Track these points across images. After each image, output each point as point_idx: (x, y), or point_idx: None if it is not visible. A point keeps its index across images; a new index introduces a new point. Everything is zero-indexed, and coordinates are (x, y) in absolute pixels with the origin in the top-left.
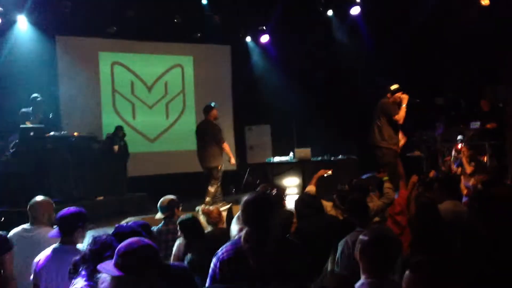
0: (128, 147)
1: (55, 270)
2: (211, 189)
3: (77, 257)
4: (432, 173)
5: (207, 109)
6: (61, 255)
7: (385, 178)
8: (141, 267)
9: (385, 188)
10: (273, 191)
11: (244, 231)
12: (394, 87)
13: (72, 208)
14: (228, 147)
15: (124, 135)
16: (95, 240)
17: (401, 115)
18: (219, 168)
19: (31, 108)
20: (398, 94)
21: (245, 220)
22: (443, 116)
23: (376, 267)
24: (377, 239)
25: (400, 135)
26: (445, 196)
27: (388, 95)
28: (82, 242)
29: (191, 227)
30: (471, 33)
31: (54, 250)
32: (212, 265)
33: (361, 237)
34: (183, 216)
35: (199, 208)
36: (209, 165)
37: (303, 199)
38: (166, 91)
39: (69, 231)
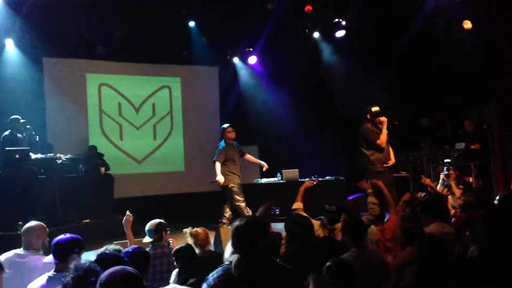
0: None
1: None
2: (226, 207)
3: (59, 287)
4: (419, 194)
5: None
6: (56, 283)
7: (369, 190)
8: None
9: (368, 204)
10: (277, 209)
11: (234, 257)
12: (374, 109)
13: (68, 235)
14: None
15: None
16: (77, 267)
17: (382, 139)
18: (229, 186)
19: (8, 131)
20: (378, 118)
21: (235, 247)
22: (428, 137)
23: None
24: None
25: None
26: (431, 218)
27: (368, 116)
28: None
29: (187, 254)
30: (456, 55)
31: (49, 278)
32: None
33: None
34: (177, 246)
35: (187, 230)
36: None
37: (294, 219)
38: (153, 112)
39: (64, 258)
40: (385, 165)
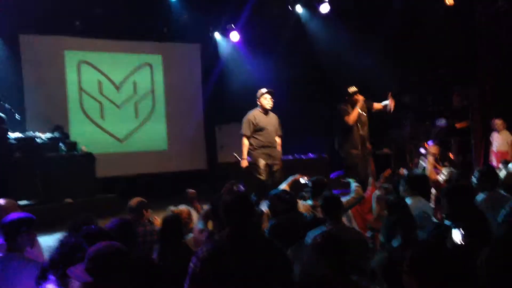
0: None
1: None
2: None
3: (46, 262)
4: (401, 171)
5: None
6: (5, 263)
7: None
8: (111, 272)
9: (354, 186)
10: (240, 187)
11: (225, 231)
12: (351, 89)
13: (14, 214)
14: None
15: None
16: (62, 243)
17: (352, 116)
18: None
19: None
20: (355, 97)
21: (227, 221)
22: (410, 114)
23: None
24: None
25: (390, 100)
26: (410, 193)
27: (346, 97)
28: (31, 248)
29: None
30: (439, 32)
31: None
32: (191, 264)
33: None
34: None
35: (171, 208)
36: None
37: (280, 196)
38: (135, 91)
39: (12, 237)
40: (349, 146)
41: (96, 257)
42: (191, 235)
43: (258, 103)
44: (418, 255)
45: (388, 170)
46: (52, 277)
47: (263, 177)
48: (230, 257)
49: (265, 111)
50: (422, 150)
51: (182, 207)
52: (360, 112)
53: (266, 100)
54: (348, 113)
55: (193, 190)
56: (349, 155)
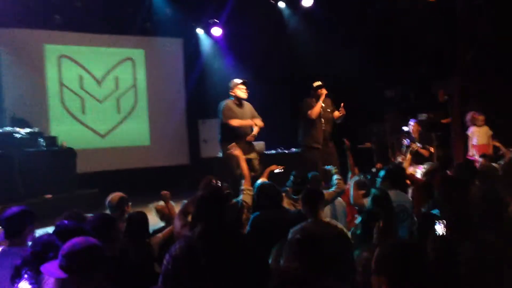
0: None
1: (3, 273)
2: None
3: (19, 261)
4: (378, 165)
5: None
6: (10, 257)
7: (334, 170)
8: (86, 268)
9: (336, 179)
10: (218, 182)
11: (197, 227)
12: (316, 83)
13: (15, 208)
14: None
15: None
16: (35, 242)
17: (314, 110)
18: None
19: None
20: (319, 91)
21: (199, 217)
22: (392, 108)
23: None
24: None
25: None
26: (389, 186)
27: (312, 91)
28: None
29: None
30: (420, 27)
31: (2, 252)
32: (164, 261)
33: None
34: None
35: (152, 205)
36: None
37: (266, 193)
38: (116, 86)
39: (18, 232)
40: (311, 141)
41: (70, 253)
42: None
43: (231, 93)
44: (384, 254)
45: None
46: (26, 275)
47: (239, 170)
48: (201, 255)
49: (240, 102)
50: (405, 142)
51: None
52: (324, 106)
53: (241, 91)
54: (311, 107)
55: (166, 191)
56: (309, 149)
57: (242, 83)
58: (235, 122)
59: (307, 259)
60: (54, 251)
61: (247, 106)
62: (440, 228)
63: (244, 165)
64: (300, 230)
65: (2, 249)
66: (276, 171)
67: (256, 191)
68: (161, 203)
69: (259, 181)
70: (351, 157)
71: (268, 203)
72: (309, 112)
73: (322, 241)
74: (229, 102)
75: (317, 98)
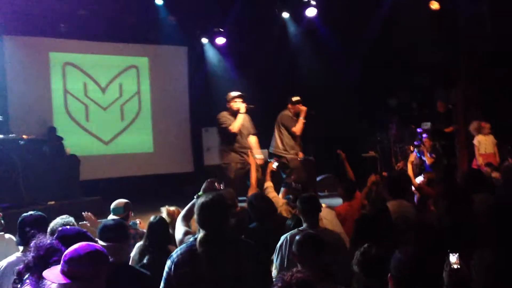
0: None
1: None
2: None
3: (21, 266)
4: (384, 174)
5: None
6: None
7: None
8: (88, 274)
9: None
10: (220, 186)
11: (200, 234)
12: (295, 98)
13: (28, 214)
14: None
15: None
16: (38, 246)
17: (298, 127)
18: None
19: None
20: (298, 106)
21: (201, 224)
22: (395, 117)
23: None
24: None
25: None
26: (389, 196)
27: (289, 105)
28: None
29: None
30: (422, 36)
31: (18, 260)
32: (166, 268)
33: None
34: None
35: (164, 209)
36: None
37: (255, 206)
38: (120, 93)
39: (29, 237)
40: (292, 151)
41: (73, 259)
42: None
43: (228, 106)
44: (401, 263)
45: (374, 175)
46: (28, 281)
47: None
48: (203, 262)
49: (234, 116)
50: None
51: (174, 209)
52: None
53: (237, 104)
54: (292, 121)
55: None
56: (293, 159)
57: (239, 96)
58: (234, 127)
59: (308, 261)
60: (57, 256)
61: (245, 118)
62: (454, 259)
63: (253, 174)
64: (298, 233)
65: (17, 258)
66: (273, 166)
67: (248, 206)
68: (173, 207)
69: (266, 184)
70: (348, 165)
71: (261, 215)
72: (294, 129)
73: (322, 241)
74: (224, 112)
75: (294, 111)
